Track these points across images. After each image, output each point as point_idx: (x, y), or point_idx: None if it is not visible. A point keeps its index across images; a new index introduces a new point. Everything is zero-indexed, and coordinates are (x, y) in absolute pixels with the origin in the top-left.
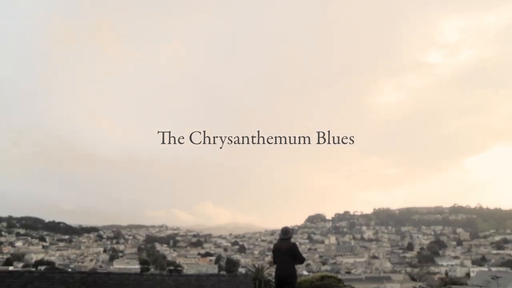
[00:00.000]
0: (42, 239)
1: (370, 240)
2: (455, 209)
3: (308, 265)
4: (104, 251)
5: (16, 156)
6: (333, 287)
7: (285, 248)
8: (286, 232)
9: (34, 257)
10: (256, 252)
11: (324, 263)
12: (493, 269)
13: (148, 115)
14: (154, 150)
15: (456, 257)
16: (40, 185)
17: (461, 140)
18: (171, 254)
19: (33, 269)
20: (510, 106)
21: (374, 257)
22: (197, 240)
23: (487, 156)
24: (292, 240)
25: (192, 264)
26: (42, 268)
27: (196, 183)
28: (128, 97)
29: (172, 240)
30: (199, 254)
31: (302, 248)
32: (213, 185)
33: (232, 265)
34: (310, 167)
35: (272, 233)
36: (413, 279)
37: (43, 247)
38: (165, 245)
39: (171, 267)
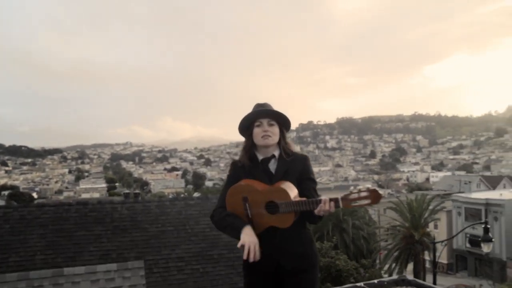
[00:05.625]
0: (3, 163)
1: (333, 149)
2: (415, 117)
3: None
4: (69, 172)
5: None
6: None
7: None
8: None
9: None
10: (222, 165)
11: None
12: (457, 173)
13: (100, 25)
14: (107, 63)
15: (416, 163)
16: None
17: (422, 48)
18: (137, 171)
19: None
20: (469, 14)
21: (338, 165)
22: (163, 156)
23: (446, 64)
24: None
25: (159, 179)
26: (6, 193)
27: (152, 98)
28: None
29: (137, 156)
30: (165, 169)
31: None
32: (170, 99)
33: (199, 178)
34: (271, 77)
35: (237, 145)
36: (380, 186)
37: (6, 171)
38: (131, 162)
39: (134, 192)
